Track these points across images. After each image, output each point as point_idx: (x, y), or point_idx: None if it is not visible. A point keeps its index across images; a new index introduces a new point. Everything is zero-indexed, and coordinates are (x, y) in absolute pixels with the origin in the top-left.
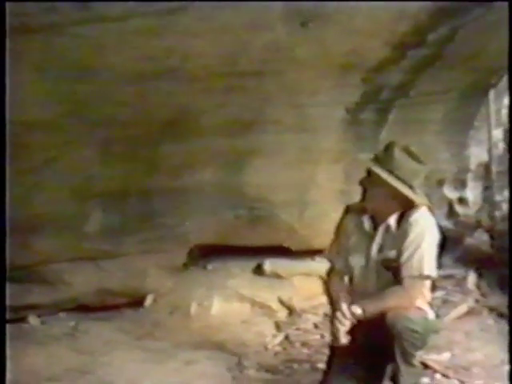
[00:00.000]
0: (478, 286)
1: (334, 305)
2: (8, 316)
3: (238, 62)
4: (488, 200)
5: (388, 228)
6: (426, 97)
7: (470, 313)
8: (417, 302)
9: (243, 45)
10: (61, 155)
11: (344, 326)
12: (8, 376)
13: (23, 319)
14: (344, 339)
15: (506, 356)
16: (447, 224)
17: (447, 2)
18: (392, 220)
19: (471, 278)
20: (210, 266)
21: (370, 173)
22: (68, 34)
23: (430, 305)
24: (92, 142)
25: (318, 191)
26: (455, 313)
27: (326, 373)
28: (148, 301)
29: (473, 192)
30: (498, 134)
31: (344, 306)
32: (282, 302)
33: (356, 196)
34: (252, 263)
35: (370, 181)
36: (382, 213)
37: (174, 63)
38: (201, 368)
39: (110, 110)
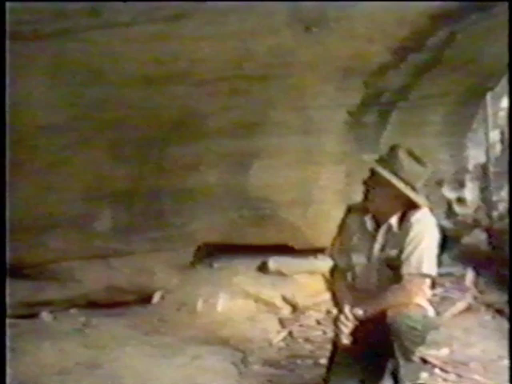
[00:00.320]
0: (476, 284)
1: (337, 306)
2: (22, 312)
3: (243, 66)
4: (485, 200)
5: (390, 227)
6: (426, 100)
7: (468, 309)
8: (416, 299)
9: (248, 49)
10: (72, 156)
11: (347, 328)
12: (21, 369)
13: (36, 315)
14: (346, 340)
15: (503, 351)
16: (446, 223)
17: (449, 3)
18: (394, 220)
19: (469, 275)
20: (215, 264)
21: (373, 173)
22: (79, 40)
23: (430, 302)
24: (102, 144)
25: (320, 191)
26: (454, 309)
27: (329, 368)
28: (156, 298)
29: (471, 192)
30: (495, 135)
31: (347, 309)
32: (285, 299)
33: (358, 196)
34: (256, 261)
35: (373, 181)
36: (384, 213)
37: (181, 67)
38: (207, 363)
39: (119, 112)
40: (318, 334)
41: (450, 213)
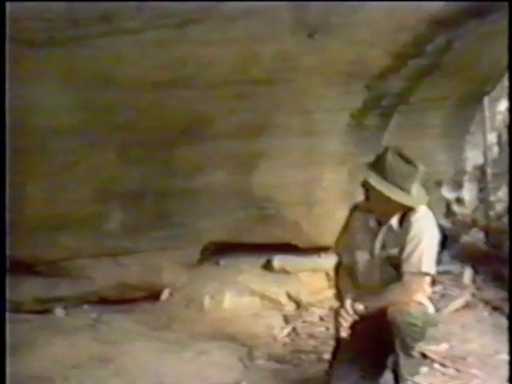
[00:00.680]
0: (474, 281)
1: (340, 300)
2: (36, 308)
3: (248, 71)
4: (483, 200)
5: (390, 227)
6: (425, 103)
7: (466, 306)
8: (417, 297)
9: (254, 55)
10: (83, 158)
11: (346, 322)
12: (35, 362)
13: (50, 311)
14: (344, 333)
15: (500, 346)
16: (445, 223)
17: (447, 11)
18: (394, 220)
19: (467, 273)
20: (222, 263)
21: None
22: (90, 47)
23: (430, 299)
24: (112, 146)
25: (323, 192)
26: (452, 306)
27: (332, 363)
28: (164, 295)
29: (469, 193)
30: (493, 138)
31: (348, 304)
32: (289, 296)
33: (359, 196)
34: (261, 259)
35: (369, 185)
36: (383, 212)
37: (189, 72)
38: (214, 358)
39: (129, 116)
40: (321, 330)
41: (448, 213)
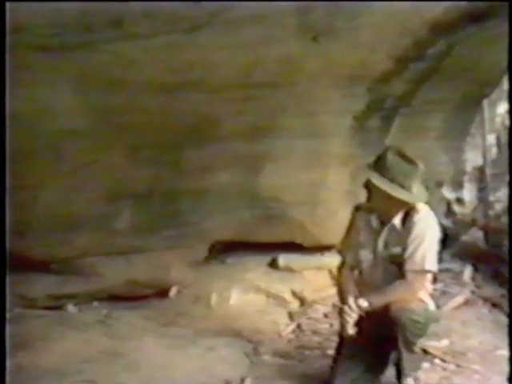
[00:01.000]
0: (474, 279)
1: (342, 298)
2: (49, 304)
3: (254, 74)
4: (483, 200)
5: (393, 226)
6: (427, 106)
7: (466, 303)
8: (419, 294)
9: (259, 58)
10: (95, 160)
11: (351, 319)
12: (48, 356)
13: (62, 307)
14: (351, 330)
15: (499, 342)
16: (446, 222)
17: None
18: (397, 219)
19: (467, 271)
20: (228, 261)
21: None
22: (102, 51)
23: (431, 296)
24: (123, 148)
25: (327, 192)
26: (453, 303)
27: (335, 359)
28: (172, 292)
29: (469, 193)
30: (492, 139)
31: (351, 301)
32: (294, 293)
33: (362, 196)
34: (267, 258)
35: (370, 184)
36: (386, 212)
37: (197, 75)
38: (220, 353)
39: (139, 118)
40: (325, 326)
41: (449, 212)
